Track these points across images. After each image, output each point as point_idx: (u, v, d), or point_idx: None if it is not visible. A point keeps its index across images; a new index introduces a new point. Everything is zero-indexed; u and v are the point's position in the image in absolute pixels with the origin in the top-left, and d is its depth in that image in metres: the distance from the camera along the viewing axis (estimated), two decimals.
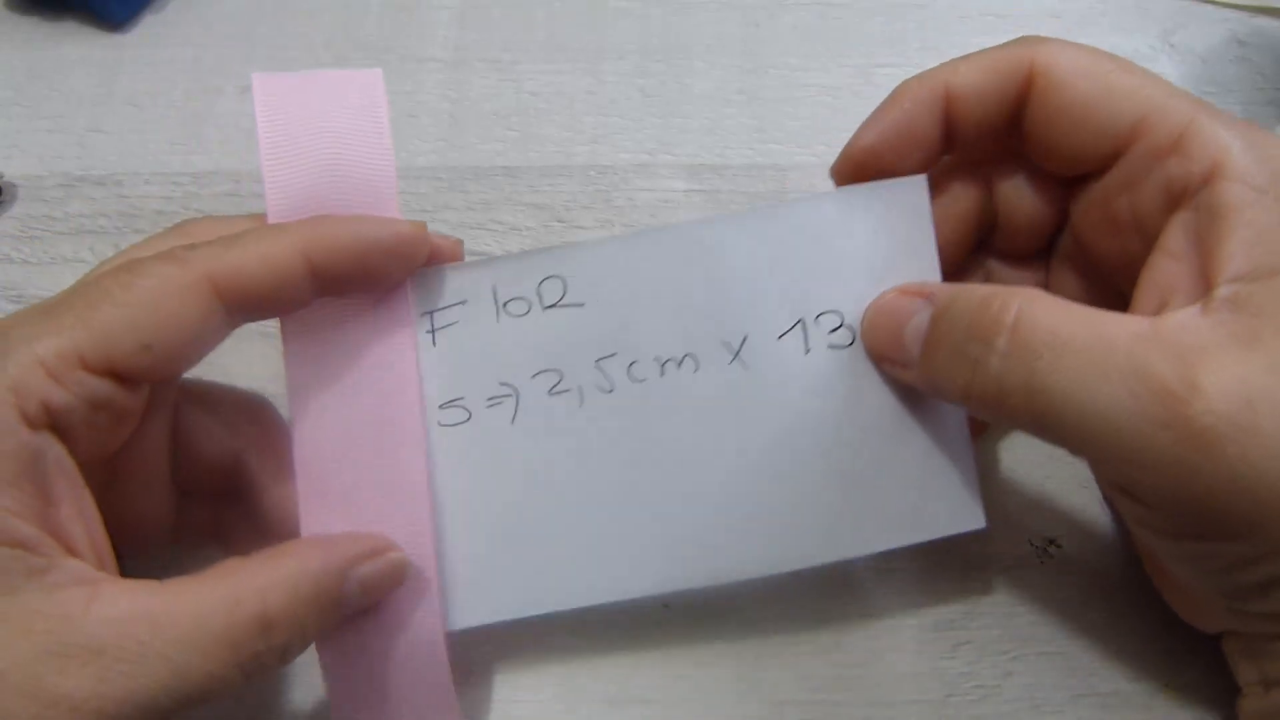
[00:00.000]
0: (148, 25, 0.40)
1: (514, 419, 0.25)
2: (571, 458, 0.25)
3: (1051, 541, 0.28)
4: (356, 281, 0.24)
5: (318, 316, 0.24)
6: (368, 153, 0.24)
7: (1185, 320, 0.20)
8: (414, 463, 0.25)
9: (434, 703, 0.25)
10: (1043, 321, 0.21)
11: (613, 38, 0.39)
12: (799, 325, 0.25)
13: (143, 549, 0.25)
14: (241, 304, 0.22)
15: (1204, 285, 0.21)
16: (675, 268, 0.25)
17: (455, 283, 0.25)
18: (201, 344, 0.22)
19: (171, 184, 0.35)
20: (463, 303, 0.25)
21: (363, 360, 0.25)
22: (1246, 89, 0.37)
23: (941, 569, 0.28)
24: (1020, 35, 0.36)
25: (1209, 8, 0.39)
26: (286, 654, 0.21)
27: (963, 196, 0.26)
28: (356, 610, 0.23)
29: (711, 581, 0.25)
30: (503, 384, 0.25)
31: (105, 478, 0.23)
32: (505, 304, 0.25)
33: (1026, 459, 0.29)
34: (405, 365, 0.25)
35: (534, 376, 0.25)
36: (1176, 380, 0.19)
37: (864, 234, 0.25)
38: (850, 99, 0.37)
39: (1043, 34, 0.41)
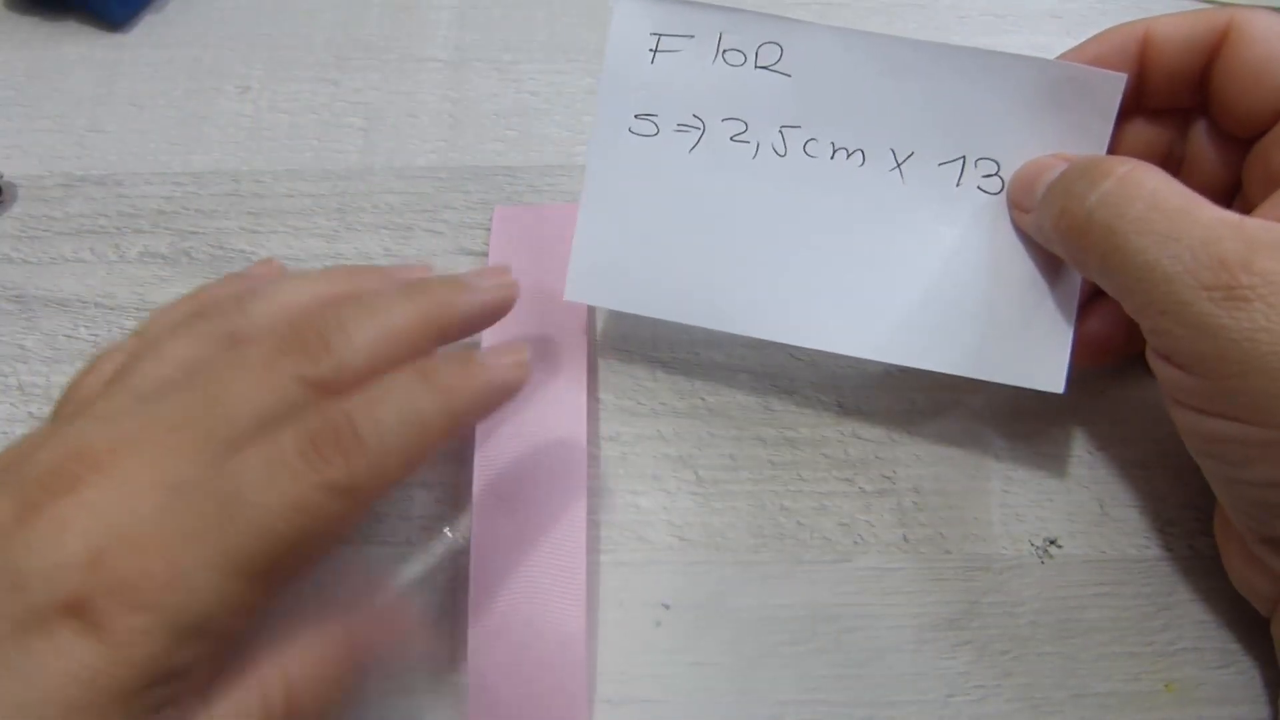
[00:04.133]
0: (148, 25, 0.40)
1: (693, 149, 0.29)
2: (728, 197, 0.29)
3: (1051, 541, 0.28)
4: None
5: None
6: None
7: (1273, 224, 0.22)
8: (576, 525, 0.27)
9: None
10: (1148, 183, 0.23)
11: None
12: (960, 160, 0.27)
13: None
14: None
15: None
16: (880, 73, 0.27)
17: (690, 17, 0.28)
18: None
19: (171, 184, 0.35)
20: (690, 36, 0.28)
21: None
22: None
23: (941, 569, 0.28)
24: (1020, 36, 0.36)
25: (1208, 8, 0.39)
26: None
27: (1156, 128, 0.28)
28: None
29: (801, 343, 0.28)
30: (695, 116, 0.28)
31: None
32: (725, 51, 0.28)
33: (1027, 459, 0.29)
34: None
35: (724, 120, 0.28)
36: (1236, 257, 0.21)
37: (1051, 105, 0.27)
38: None
39: (1042, 34, 0.40)
